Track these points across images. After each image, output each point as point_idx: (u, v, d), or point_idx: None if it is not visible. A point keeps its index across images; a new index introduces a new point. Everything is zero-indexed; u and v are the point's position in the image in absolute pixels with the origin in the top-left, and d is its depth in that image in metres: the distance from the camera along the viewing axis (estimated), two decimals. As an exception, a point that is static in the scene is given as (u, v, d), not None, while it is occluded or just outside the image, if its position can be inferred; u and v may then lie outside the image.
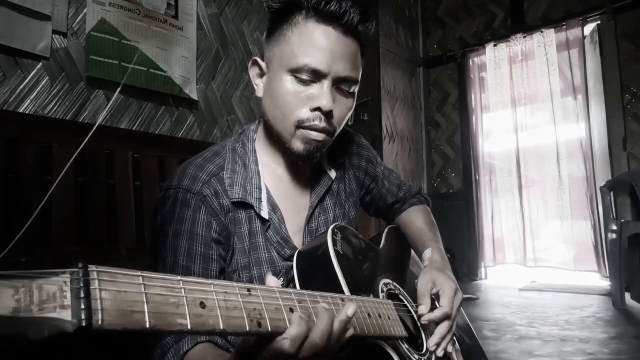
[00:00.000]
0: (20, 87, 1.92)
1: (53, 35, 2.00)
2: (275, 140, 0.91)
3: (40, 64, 1.98)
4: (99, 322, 0.32)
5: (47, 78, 2.00)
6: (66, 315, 0.31)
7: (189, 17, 2.56)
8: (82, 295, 0.32)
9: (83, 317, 0.31)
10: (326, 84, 0.84)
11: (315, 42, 0.82)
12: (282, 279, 0.89)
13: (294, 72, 0.83)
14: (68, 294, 0.31)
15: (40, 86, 1.97)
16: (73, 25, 2.09)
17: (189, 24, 2.56)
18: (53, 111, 2.01)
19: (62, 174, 1.29)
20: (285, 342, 0.52)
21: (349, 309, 0.60)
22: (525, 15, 4.20)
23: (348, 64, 0.85)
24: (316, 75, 0.83)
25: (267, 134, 0.94)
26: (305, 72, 0.83)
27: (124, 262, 1.76)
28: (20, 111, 1.91)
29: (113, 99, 2.20)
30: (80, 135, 1.88)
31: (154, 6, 2.39)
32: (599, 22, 3.76)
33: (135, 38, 2.29)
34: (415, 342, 0.87)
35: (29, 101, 1.94)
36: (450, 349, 0.88)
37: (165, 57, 2.42)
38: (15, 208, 1.68)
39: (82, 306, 0.31)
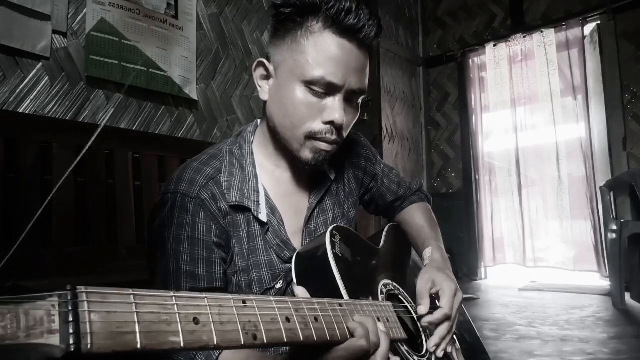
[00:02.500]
0: (20, 87, 1.92)
1: (53, 35, 2.00)
2: (280, 144, 0.90)
3: (40, 64, 1.98)
4: (88, 347, 0.31)
5: (47, 78, 2.00)
6: (54, 340, 0.30)
7: (189, 17, 2.56)
8: (70, 319, 0.31)
9: (71, 342, 0.31)
10: (339, 97, 0.84)
11: (332, 55, 0.81)
12: (281, 281, 0.89)
13: (308, 83, 0.82)
14: (56, 318, 0.31)
15: (40, 86, 1.97)
16: (73, 25, 2.09)
17: (189, 24, 2.56)
18: (53, 111, 2.01)
19: (64, 177, 1.28)
20: (362, 340, 0.61)
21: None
22: (525, 15, 4.18)
23: (360, 77, 0.85)
24: (330, 89, 0.83)
25: (270, 136, 0.93)
26: (320, 85, 0.82)
27: (124, 262, 1.77)
28: (20, 111, 1.91)
29: (117, 102, 2.20)
30: (80, 135, 1.88)
31: (154, 6, 2.38)
32: (599, 22, 3.75)
33: (135, 38, 2.29)
34: (415, 342, 0.86)
35: (29, 101, 1.94)
36: (450, 349, 0.88)
37: (165, 57, 2.42)
38: (15, 208, 1.69)
39: (71, 330, 0.31)
